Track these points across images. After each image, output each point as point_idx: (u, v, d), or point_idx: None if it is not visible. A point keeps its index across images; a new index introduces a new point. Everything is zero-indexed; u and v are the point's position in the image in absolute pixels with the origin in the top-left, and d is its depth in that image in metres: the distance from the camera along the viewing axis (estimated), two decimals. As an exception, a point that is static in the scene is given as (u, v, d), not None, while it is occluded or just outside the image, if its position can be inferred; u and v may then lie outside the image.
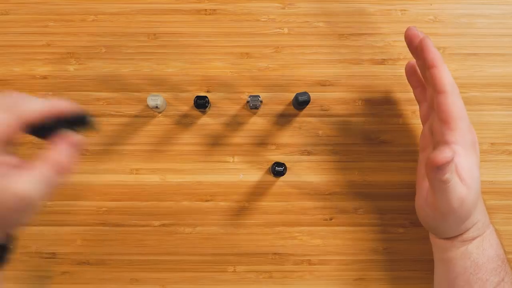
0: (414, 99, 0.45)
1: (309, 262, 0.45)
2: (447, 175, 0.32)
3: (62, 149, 0.31)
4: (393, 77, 0.45)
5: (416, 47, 0.37)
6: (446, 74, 0.35)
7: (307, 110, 0.45)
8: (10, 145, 0.31)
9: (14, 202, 0.29)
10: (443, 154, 0.30)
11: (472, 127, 0.37)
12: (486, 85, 0.45)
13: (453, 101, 0.34)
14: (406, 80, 0.45)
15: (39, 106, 0.31)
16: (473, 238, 0.36)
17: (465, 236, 0.36)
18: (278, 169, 0.42)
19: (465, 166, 0.34)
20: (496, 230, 0.38)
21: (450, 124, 0.34)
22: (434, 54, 0.36)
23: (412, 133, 0.45)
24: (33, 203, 0.30)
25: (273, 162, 0.43)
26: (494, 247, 0.36)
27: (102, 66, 0.45)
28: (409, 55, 0.45)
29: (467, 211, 0.35)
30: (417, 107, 0.45)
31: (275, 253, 0.45)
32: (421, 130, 0.40)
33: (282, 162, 0.42)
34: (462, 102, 0.35)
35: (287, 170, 0.43)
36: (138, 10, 0.46)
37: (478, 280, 0.35)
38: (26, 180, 0.30)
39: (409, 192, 0.44)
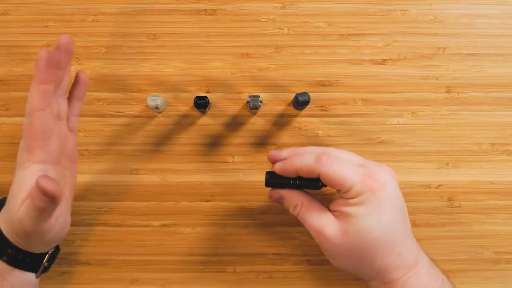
0: (414, 99, 0.45)
1: (309, 262, 0.45)
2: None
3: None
4: (393, 77, 0.45)
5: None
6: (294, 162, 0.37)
7: (307, 110, 0.45)
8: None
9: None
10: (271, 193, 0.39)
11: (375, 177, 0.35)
12: (486, 85, 0.45)
13: (327, 170, 0.35)
14: (406, 80, 0.45)
15: None
16: (398, 278, 0.35)
17: (389, 275, 0.35)
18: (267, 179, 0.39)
19: (352, 212, 0.34)
20: (428, 265, 0.36)
21: (342, 188, 0.35)
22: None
23: (412, 133, 0.45)
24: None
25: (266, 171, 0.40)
26: (425, 284, 0.35)
27: (102, 66, 0.45)
28: (409, 55, 0.45)
29: (347, 254, 0.35)
30: (417, 107, 0.45)
31: (275, 253, 0.45)
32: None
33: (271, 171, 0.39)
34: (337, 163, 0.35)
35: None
36: (138, 10, 0.46)
37: None
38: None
39: (409, 192, 0.44)
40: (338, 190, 0.35)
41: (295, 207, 0.38)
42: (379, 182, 0.34)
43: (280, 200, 0.39)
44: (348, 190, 0.34)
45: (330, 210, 0.37)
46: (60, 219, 0.36)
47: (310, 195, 0.38)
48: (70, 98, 0.39)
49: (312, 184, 0.37)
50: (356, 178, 0.34)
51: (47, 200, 0.31)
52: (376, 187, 0.34)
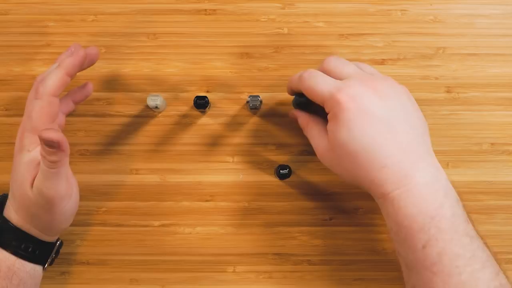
0: (414, 99, 0.45)
1: (309, 262, 0.45)
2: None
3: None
4: (393, 77, 0.45)
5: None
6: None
7: (307, 110, 0.45)
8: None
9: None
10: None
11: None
12: (486, 85, 0.45)
13: (309, 84, 0.37)
14: (406, 80, 0.45)
15: (53, 79, 0.36)
16: (387, 193, 0.34)
17: (379, 189, 0.34)
18: (282, 172, 0.42)
19: (328, 128, 0.36)
20: (424, 183, 0.33)
21: (319, 103, 0.36)
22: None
23: (412, 133, 0.45)
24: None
25: (277, 165, 0.43)
26: (417, 205, 0.33)
27: (102, 66, 0.45)
28: (409, 55, 0.45)
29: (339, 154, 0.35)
30: (417, 107, 0.45)
31: (275, 253, 0.45)
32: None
33: (286, 164, 0.42)
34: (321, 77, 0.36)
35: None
36: (138, 10, 0.46)
37: (403, 242, 0.33)
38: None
39: (409, 192, 0.44)
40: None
41: (303, 127, 0.40)
42: (349, 95, 0.34)
43: (295, 120, 0.42)
44: (324, 104, 0.36)
45: None
46: (75, 190, 0.38)
47: (319, 116, 0.39)
48: (67, 98, 0.41)
49: (303, 101, 0.40)
50: (327, 93, 0.35)
51: (56, 151, 0.33)
52: (343, 100, 0.34)
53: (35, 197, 0.35)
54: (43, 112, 0.36)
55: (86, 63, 0.38)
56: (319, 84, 0.36)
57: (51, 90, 0.36)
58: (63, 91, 0.38)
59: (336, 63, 0.37)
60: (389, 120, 0.34)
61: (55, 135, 0.32)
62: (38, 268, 0.38)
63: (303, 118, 0.40)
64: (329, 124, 0.36)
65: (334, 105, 0.34)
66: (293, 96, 0.42)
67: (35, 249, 0.38)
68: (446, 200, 0.33)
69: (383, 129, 0.34)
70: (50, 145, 0.32)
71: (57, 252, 0.41)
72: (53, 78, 0.36)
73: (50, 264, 0.40)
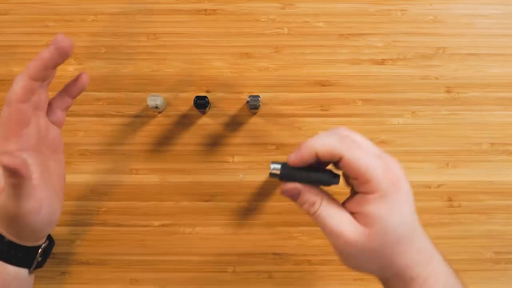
0: (414, 99, 0.45)
1: (309, 262, 0.45)
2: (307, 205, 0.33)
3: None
4: (393, 77, 0.45)
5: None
6: (317, 142, 0.32)
7: (307, 110, 0.45)
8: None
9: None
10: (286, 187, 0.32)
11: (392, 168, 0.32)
12: (486, 85, 0.45)
13: (355, 158, 0.31)
14: (406, 80, 0.45)
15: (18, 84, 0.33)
16: (417, 275, 0.33)
17: (410, 272, 0.33)
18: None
19: (374, 212, 0.31)
20: (442, 266, 0.34)
21: (362, 178, 0.31)
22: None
23: (412, 133, 0.45)
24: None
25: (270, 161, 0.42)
26: (443, 280, 0.33)
27: (102, 66, 0.45)
28: (409, 55, 0.45)
29: (362, 253, 0.32)
30: (417, 107, 0.45)
31: (275, 253, 0.45)
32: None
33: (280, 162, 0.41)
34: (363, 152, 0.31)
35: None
36: (138, 10, 0.46)
37: None
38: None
39: (409, 192, 0.44)
40: (355, 180, 0.32)
41: (313, 204, 0.33)
42: (397, 175, 0.31)
43: (294, 196, 0.33)
44: (368, 183, 0.31)
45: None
46: (46, 203, 0.35)
47: (328, 192, 0.34)
48: (62, 93, 0.39)
49: (326, 179, 0.33)
50: (379, 170, 0.30)
51: (12, 175, 0.31)
52: (395, 181, 0.31)
53: (1, 208, 0.34)
54: (11, 119, 0.33)
55: (60, 58, 0.34)
56: (369, 159, 0.31)
57: (16, 96, 0.33)
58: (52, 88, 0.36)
59: (360, 136, 0.32)
60: (413, 199, 0.33)
61: (11, 162, 0.30)
62: (23, 271, 0.37)
63: (313, 196, 0.33)
64: (375, 206, 0.31)
65: (388, 186, 0.30)
66: (274, 164, 0.33)
67: (17, 252, 0.36)
68: (451, 269, 0.34)
69: (413, 209, 0.33)
70: (7, 170, 0.30)
71: (47, 254, 0.39)
72: (17, 84, 0.33)
73: (39, 267, 0.39)
